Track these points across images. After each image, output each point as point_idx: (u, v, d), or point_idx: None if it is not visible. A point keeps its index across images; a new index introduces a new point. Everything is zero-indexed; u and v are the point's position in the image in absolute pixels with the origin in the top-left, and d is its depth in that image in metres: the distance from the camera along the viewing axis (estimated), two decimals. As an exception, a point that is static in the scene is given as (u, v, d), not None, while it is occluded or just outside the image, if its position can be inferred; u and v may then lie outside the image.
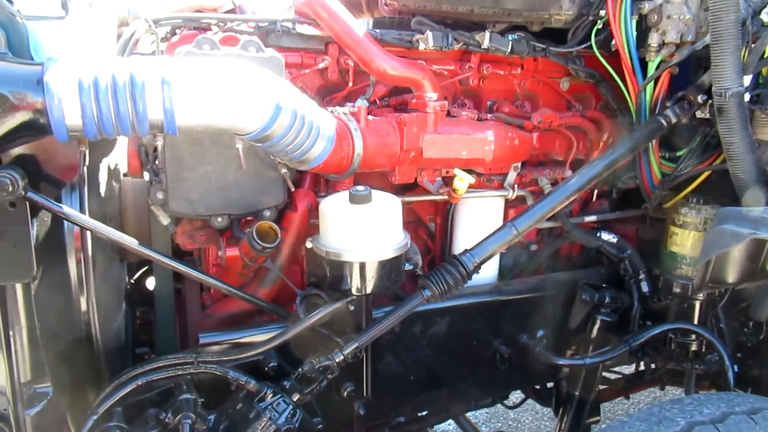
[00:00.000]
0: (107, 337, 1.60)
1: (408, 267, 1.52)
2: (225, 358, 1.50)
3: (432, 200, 1.98)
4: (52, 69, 1.09)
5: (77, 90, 1.11)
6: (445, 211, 2.04)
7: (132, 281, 2.23)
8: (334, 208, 1.42)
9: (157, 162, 1.52)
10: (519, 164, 1.92)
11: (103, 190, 1.76)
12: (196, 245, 1.68)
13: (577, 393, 2.00)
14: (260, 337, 1.61)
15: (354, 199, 1.37)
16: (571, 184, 1.70)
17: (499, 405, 2.36)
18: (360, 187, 1.38)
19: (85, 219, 1.30)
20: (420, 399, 1.90)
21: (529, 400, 2.45)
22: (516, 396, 2.44)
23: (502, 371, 1.95)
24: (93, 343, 1.50)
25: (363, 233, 1.39)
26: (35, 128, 1.10)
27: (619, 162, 1.76)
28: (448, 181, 1.83)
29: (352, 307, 1.53)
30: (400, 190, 1.95)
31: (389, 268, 1.44)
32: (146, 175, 1.56)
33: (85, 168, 1.39)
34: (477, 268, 1.61)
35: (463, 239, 1.99)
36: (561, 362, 1.88)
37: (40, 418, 1.32)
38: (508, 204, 2.03)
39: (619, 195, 2.33)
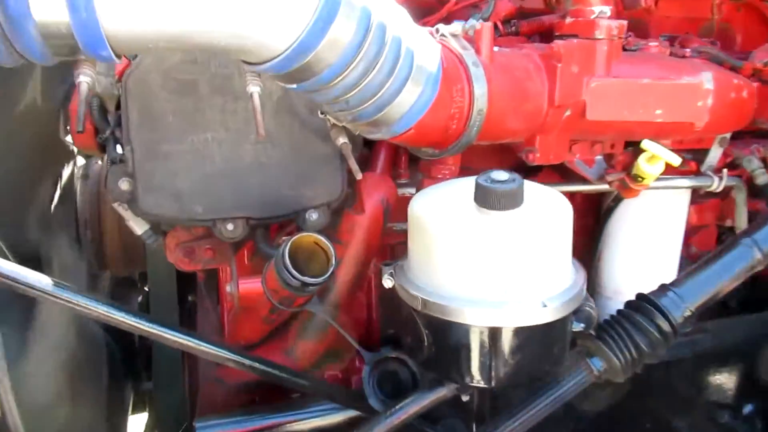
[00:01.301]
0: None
1: (577, 327, 0.81)
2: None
3: (564, 191, 1.23)
4: None
5: None
6: (586, 209, 1.30)
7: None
8: (445, 218, 0.71)
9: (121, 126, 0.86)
10: (728, 136, 1.16)
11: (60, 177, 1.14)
12: (199, 265, 1.02)
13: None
14: (301, 426, 0.95)
15: (489, 198, 0.66)
16: None
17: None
18: (500, 174, 0.67)
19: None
20: None
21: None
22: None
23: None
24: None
25: (505, 272, 0.68)
26: None
27: None
28: (611, 160, 1.10)
29: (466, 398, 0.84)
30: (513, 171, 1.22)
31: (550, 337, 0.72)
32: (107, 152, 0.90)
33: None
34: (689, 321, 0.88)
35: (622, 256, 1.24)
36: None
37: None
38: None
39: None
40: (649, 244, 1.21)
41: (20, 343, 0.89)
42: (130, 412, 1.73)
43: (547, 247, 0.69)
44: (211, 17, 0.54)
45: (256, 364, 0.82)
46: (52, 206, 1.16)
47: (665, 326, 0.86)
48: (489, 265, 0.67)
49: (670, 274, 1.28)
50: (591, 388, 1.10)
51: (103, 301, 0.73)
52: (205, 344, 0.79)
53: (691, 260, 1.35)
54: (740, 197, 1.23)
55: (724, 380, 1.21)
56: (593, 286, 1.30)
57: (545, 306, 0.68)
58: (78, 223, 1.31)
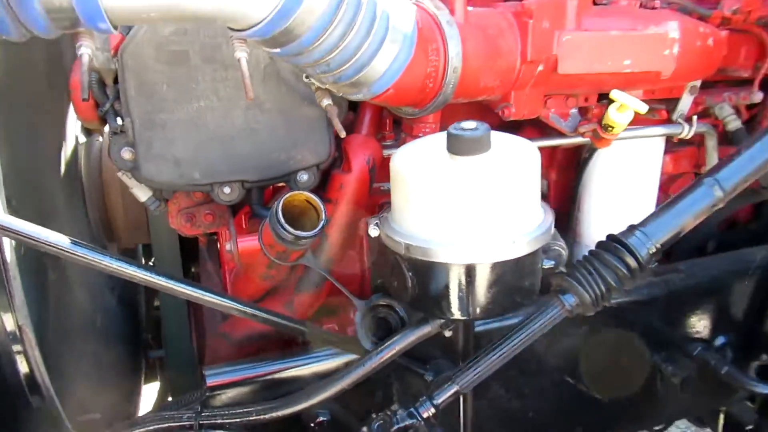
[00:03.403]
0: (71, 364, 1.06)
1: (547, 264, 0.88)
2: (243, 419, 0.92)
3: (545, 146, 1.30)
4: None
5: None
6: (568, 163, 1.37)
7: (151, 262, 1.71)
8: (419, 165, 0.77)
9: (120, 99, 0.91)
10: (698, 84, 1.21)
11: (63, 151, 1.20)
12: (200, 229, 1.09)
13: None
14: (300, 372, 1.03)
15: (458, 145, 0.73)
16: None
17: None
18: (468, 123, 0.74)
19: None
20: (542, 443, 1.29)
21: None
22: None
23: (665, 397, 1.31)
24: (40, 387, 0.95)
25: (476, 211, 0.75)
26: None
27: None
28: (587, 114, 1.16)
29: (449, 333, 0.91)
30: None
31: (521, 272, 0.80)
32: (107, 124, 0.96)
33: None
34: (655, 256, 0.95)
35: (599, 205, 1.31)
36: (771, 392, 1.22)
37: None
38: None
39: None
40: (624, 193, 1.27)
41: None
42: (143, 380, 1.82)
43: (513, 189, 0.75)
44: (197, -7, 0.59)
45: (259, 312, 0.90)
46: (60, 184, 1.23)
47: (632, 263, 0.93)
48: (461, 208, 0.74)
49: (646, 221, 1.36)
50: (568, 329, 1.20)
51: (116, 256, 0.80)
52: (211, 295, 0.86)
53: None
54: (711, 143, 1.30)
55: (697, 316, 1.29)
56: (574, 235, 1.37)
57: (514, 242, 0.75)
58: (84, 198, 1.38)
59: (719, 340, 1.32)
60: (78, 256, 0.77)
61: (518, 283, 0.80)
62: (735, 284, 1.31)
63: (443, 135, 0.76)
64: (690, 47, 1.04)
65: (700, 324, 1.29)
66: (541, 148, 1.31)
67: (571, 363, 1.21)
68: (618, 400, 1.31)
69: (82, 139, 1.44)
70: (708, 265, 1.31)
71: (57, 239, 0.76)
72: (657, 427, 1.56)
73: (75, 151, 1.32)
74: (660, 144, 1.29)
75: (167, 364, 1.55)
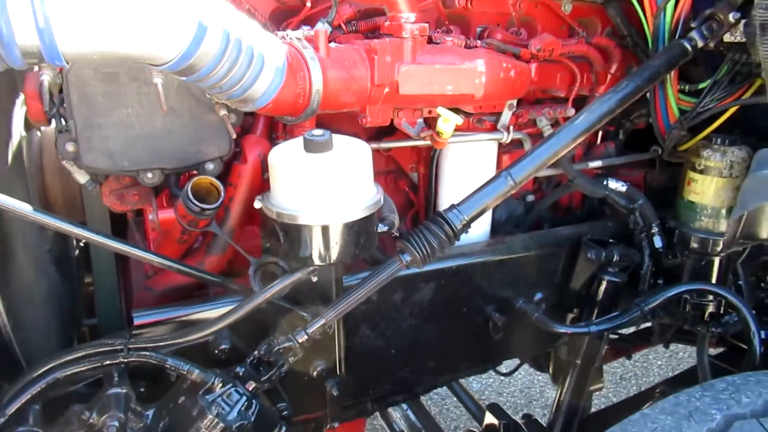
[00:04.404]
0: (24, 318, 1.33)
1: (382, 228, 1.25)
2: (162, 343, 1.24)
3: (414, 146, 1.69)
4: None
5: None
6: (429, 159, 1.76)
7: (81, 243, 1.95)
8: (284, 159, 1.12)
9: (64, 105, 1.21)
10: (515, 102, 1.63)
11: (10, 142, 1.46)
12: (128, 206, 1.39)
13: (578, 361, 1.78)
14: (209, 314, 1.36)
15: (309, 146, 1.08)
16: (578, 123, 1.41)
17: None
18: (317, 131, 1.09)
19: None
20: (402, 374, 1.67)
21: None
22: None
23: (496, 340, 1.72)
24: None
25: (323, 189, 1.11)
26: None
27: (635, 96, 1.47)
28: (431, 122, 1.54)
29: (315, 278, 1.27)
30: (377, 134, 1.66)
31: (358, 231, 1.16)
32: (53, 123, 1.25)
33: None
34: (466, 227, 1.34)
35: (450, 191, 1.71)
36: (562, 330, 1.64)
37: None
38: (502, 149, 1.75)
39: (626, 136, 2.05)
40: (467, 183, 1.67)
41: None
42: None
43: (348, 175, 1.12)
44: (127, 42, 0.91)
45: (177, 266, 1.22)
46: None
47: (449, 231, 1.31)
48: (314, 188, 1.10)
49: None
50: (419, 285, 1.58)
51: (60, 217, 1.10)
52: (140, 251, 1.18)
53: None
54: (527, 146, 1.72)
55: (520, 277, 1.71)
56: (435, 206, 1.77)
57: (349, 210, 1.12)
58: (26, 181, 1.63)
59: (537, 296, 1.74)
60: (29, 215, 1.07)
61: (357, 239, 1.16)
62: (548, 254, 1.74)
63: (301, 139, 1.12)
64: (495, 77, 1.44)
65: (521, 283, 1.71)
66: (409, 147, 1.71)
67: (424, 312, 1.59)
68: (462, 343, 1.72)
69: (23, 132, 1.70)
70: (527, 239, 1.73)
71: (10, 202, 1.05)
72: (503, 370, 1.99)
73: (19, 143, 1.58)
74: (492, 146, 1.70)
75: (99, 330, 1.82)
